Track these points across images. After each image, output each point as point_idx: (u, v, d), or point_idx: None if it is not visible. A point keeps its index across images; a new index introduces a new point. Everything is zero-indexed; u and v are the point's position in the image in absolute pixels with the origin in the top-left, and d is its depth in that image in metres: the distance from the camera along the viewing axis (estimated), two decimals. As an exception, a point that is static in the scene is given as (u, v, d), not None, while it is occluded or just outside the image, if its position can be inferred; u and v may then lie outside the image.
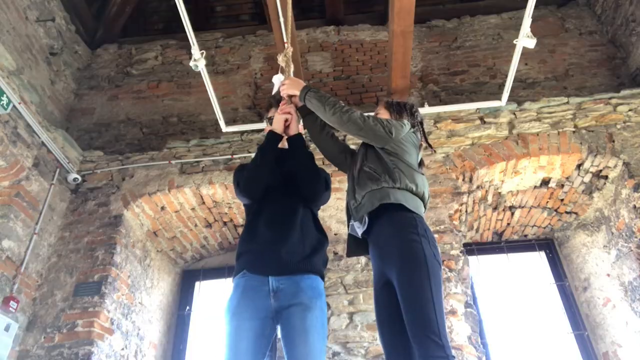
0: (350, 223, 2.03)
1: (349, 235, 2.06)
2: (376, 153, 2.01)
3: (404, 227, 1.80)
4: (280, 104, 2.19)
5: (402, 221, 1.82)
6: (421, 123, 2.23)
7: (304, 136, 2.18)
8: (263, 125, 3.40)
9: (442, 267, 3.20)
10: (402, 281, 1.69)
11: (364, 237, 1.99)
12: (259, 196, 2.02)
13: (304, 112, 2.21)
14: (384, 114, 2.20)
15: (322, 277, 1.92)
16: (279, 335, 1.83)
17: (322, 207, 3.57)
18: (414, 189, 1.92)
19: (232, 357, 1.72)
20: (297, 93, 2.12)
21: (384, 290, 1.85)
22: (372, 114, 2.15)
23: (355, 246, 2.05)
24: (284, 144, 2.17)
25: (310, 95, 2.08)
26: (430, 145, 2.28)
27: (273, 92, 2.34)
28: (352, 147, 2.35)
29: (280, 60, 2.36)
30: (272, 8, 3.26)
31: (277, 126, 2.11)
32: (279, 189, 2.04)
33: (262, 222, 1.95)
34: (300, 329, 1.74)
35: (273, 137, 2.09)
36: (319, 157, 2.48)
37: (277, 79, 2.34)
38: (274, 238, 1.89)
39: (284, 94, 2.19)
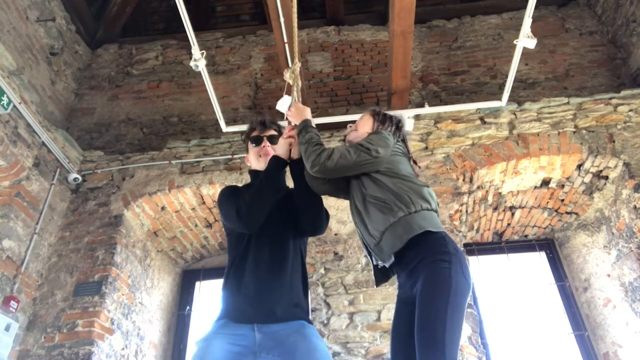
0: (375, 261, 1.89)
1: (374, 266, 1.92)
2: (372, 179, 1.88)
3: (434, 250, 1.69)
4: (287, 127, 2.05)
5: (432, 244, 1.71)
6: (404, 140, 2.10)
7: None
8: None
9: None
10: (421, 298, 1.64)
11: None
12: (258, 228, 1.81)
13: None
14: (366, 122, 2.10)
15: (308, 321, 1.76)
16: None
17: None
18: (429, 207, 1.81)
19: None
20: (297, 124, 2.01)
21: (406, 306, 1.78)
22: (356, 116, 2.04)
23: (381, 275, 1.92)
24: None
25: (299, 138, 1.94)
26: (415, 162, 2.10)
27: (278, 109, 2.17)
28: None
29: (287, 77, 2.24)
30: (272, 8, 3.25)
31: (282, 151, 1.93)
32: (269, 220, 1.84)
33: (249, 267, 1.76)
34: (300, 340, 1.63)
35: (278, 163, 1.90)
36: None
37: (286, 101, 2.18)
38: (262, 292, 1.71)
39: (290, 121, 2.08)
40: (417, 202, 1.78)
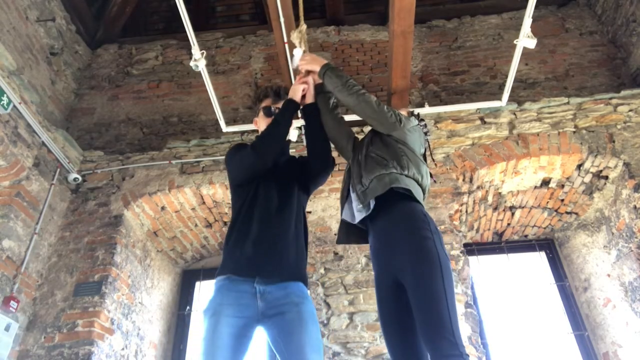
0: (347, 206, 1.99)
1: (342, 221, 2.02)
2: (382, 140, 2.01)
3: (416, 223, 1.76)
4: (297, 77, 2.19)
5: (413, 215, 1.78)
6: (427, 140, 2.26)
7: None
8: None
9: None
10: (415, 280, 1.65)
11: (360, 226, 1.96)
12: (268, 168, 1.91)
13: (317, 91, 2.20)
14: (402, 112, 2.24)
15: (306, 284, 1.83)
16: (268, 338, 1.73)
17: (322, 207, 3.59)
18: (420, 179, 1.92)
19: (208, 354, 1.59)
20: (317, 69, 2.10)
21: (390, 289, 1.81)
22: None
23: (347, 234, 2.03)
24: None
25: (330, 73, 2.06)
26: (431, 175, 2.18)
27: (292, 66, 2.32)
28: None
29: (294, 37, 2.35)
30: (272, 8, 3.25)
31: (295, 95, 2.07)
32: (274, 177, 1.95)
33: (256, 219, 1.82)
34: (297, 319, 1.67)
35: (291, 104, 2.03)
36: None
37: (297, 53, 2.29)
38: (267, 243, 1.77)
39: (302, 68, 2.18)
40: (412, 169, 1.91)
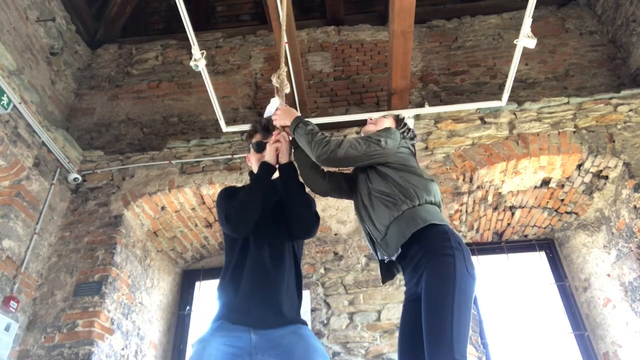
0: (378, 248, 1.91)
1: (380, 261, 1.95)
2: (379, 172, 1.92)
3: (438, 241, 1.72)
4: (273, 133, 2.06)
5: (435, 236, 1.74)
6: (413, 144, 2.17)
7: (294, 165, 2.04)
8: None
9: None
10: (426, 294, 1.65)
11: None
12: (249, 233, 1.84)
13: (295, 145, 2.07)
14: (387, 121, 2.18)
15: (306, 325, 1.78)
16: None
17: (322, 207, 3.59)
18: (433, 200, 1.84)
19: None
20: (288, 124, 2.02)
21: (412, 304, 1.80)
22: (374, 115, 2.08)
23: (388, 270, 1.95)
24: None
25: (298, 132, 1.96)
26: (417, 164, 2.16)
27: (265, 116, 2.16)
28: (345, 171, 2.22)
29: (275, 81, 2.25)
30: (272, 8, 3.25)
31: (270, 157, 1.96)
32: (266, 224, 1.88)
33: (248, 268, 1.78)
34: (297, 339, 1.63)
35: (267, 168, 1.94)
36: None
37: (274, 102, 2.18)
38: (259, 295, 1.72)
39: (276, 124, 2.07)
40: (422, 195, 1.82)
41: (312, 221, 1.93)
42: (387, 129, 2.02)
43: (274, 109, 2.12)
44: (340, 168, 1.99)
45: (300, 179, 2.04)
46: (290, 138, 2.07)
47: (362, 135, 2.12)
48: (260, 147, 2.07)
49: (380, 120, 2.20)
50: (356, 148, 1.89)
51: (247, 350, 1.62)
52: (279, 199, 1.96)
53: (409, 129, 2.17)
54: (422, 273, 1.71)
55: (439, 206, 1.89)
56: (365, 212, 1.90)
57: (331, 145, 1.88)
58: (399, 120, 2.20)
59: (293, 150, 2.10)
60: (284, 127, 2.07)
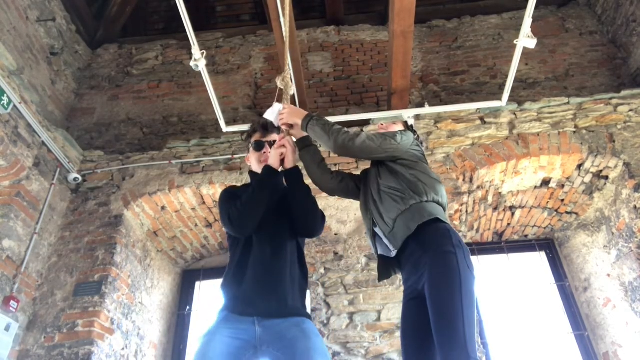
0: (379, 243, 1.95)
1: (380, 257, 1.98)
2: (390, 169, 1.96)
3: (439, 239, 1.76)
4: (277, 138, 2.07)
5: (437, 233, 1.78)
6: (421, 144, 2.24)
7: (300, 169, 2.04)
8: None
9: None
10: (433, 291, 1.66)
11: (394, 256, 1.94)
12: (251, 233, 1.88)
13: (301, 146, 2.11)
14: (397, 125, 2.24)
15: (310, 319, 1.82)
16: None
17: (322, 207, 3.59)
18: (440, 200, 1.89)
19: None
20: (299, 122, 2.03)
21: (413, 302, 1.82)
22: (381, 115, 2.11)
23: (385, 268, 1.98)
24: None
25: (313, 124, 1.99)
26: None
27: (266, 117, 2.14)
28: (349, 171, 2.28)
29: (279, 83, 2.24)
30: (272, 8, 3.25)
31: (274, 161, 1.96)
32: (269, 221, 1.91)
33: (250, 266, 1.82)
34: (300, 335, 1.66)
35: (269, 172, 1.93)
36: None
37: (276, 107, 2.15)
38: (263, 287, 1.76)
39: (282, 122, 2.07)
40: (430, 193, 1.87)
41: (318, 224, 1.99)
42: (400, 131, 2.09)
43: (277, 112, 2.11)
44: (353, 159, 2.05)
45: (307, 182, 2.05)
46: (294, 140, 2.08)
47: None
48: (259, 146, 2.09)
49: (390, 125, 2.26)
50: (373, 140, 1.95)
51: (252, 342, 1.66)
52: (283, 195, 1.98)
53: (419, 135, 2.24)
54: (425, 270, 1.73)
55: (444, 208, 1.93)
56: (374, 206, 1.95)
57: (350, 134, 1.95)
58: (409, 127, 2.27)
59: (298, 152, 2.10)
60: (289, 131, 2.07)
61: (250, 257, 1.84)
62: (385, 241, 1.90)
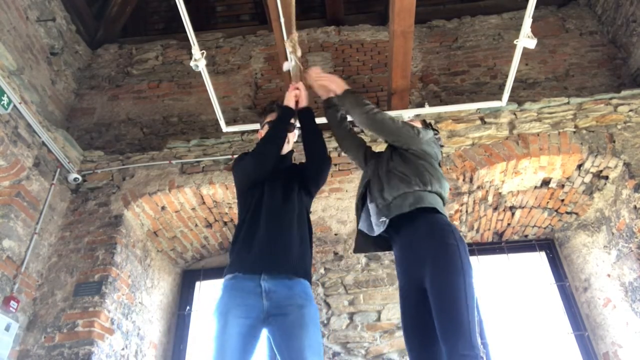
0: (364, 217, 2.04)
1: (359, 231, 2.07)
2: (402, 156, 2.07)
3: (441, 231, 1.81)
4: (291, 84, 2.32)
5: (437, 226, 1.84)
6: (442, 147, 2.35)
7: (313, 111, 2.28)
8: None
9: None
10: (437, 284, 1.69)
11: (379, 236, 1.99)
12: (269, 173, 2.03)
13: (326, 105, 2.40)
14: (415, 124, 2.31)
15: (310, 282, 1.92)
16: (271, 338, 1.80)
17: (322, 207, 3.59)
18: (442, 193, 1.97)
19: (219, 355, 1.67)
20: (337, 91, 2.26)
21: (412, 295, 1.84)
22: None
23: (364, 243, 2.08)
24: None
25: (352, 95, 2.20)
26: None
27: (284, 69, 2.45)
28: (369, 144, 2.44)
29: (287, 45, 2.49)
30: (273, 8, 3.25)
31: (289, 102, 2.21)
32: (277, 178, 2.06)
33: (262, 220, 1.93)
34: (299, 323, 1.73)
35: (287, 111, 2.17)
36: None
37: (288, 64, 2.47)
38: (273, 238, 1.87)
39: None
40: (435, 185, 1.96)
41: (327, 157, 2.19)
42: (426, 129, 2.19)
43: (291, 66, 2.42)
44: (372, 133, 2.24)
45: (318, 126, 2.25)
46: (325, 98, 2.38)
47: None
48: None
49: (415, 121, 2.35)
50: (393, 122, 2.09)
51: (260, 318, 1.76)
52: (288, 166, 2.18)
53: (439, 138, 2.32)
54: (427, 261, 1.75)
55: (444, 203, 2.02)
56: (377, 181, 2.04)
57: (374, 110, 2.12)
58: (429, 125, 2.36)
59: (325, 110, 2.42)
60: (303, 74, 2.39)
61: (261, 212, 1.95)
62: (374, 218, 1.96)
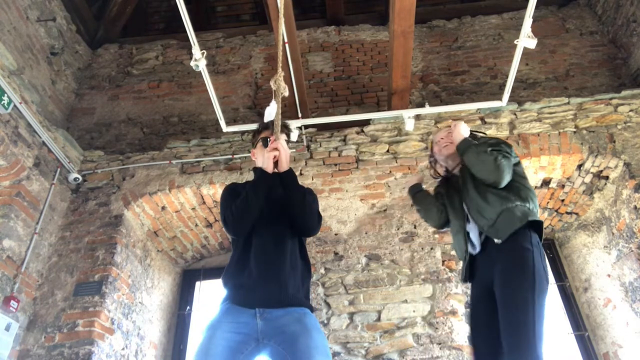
0: (469, 243, 1.98)
1: (469, 256, 1.99)
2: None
3: (517, 236, 1.78)
4: (270, 140, 2.06)
5: (517, 230, 1.82)
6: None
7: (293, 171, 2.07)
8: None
9: (444, 268, 3.21)
10: (504, 288, 1.66)
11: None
12: (249, 228, 1.92)
13: (414, 191, 2.39)
14: (463, 129, 2.28)
15: (312, 311, 1.84)
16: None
17: (322, 207, 3.59)
18: (535, 210, 1.94)
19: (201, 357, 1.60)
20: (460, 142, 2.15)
21: (483, 298, 1.83)
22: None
23: (470, 268, 1.99)
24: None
25: (470, 149, 2.06)
26: None
27: (265, 120, 2.14)
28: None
29: (272, 84, 2.24)
30: (273, 8, 3.25)
31: (267, 165, 1.96)
32: (267, 216, 1.95)
33: (252, 256, 1.86)
34: (301, 330, 1.67)
35: (262, 176, 1.95)
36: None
37: (272, 108, 2.14)
38: (264, 274, 1.80)
39: (450, 141, 2.25)
40: (531, 201, 1.93)
41: (314, 224, 2.01)
42: (504, 144, 2.13)
43: (273, 112, 2.11)
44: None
45: (300, 185, 2.05)
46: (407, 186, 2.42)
47: (442, 157, 2.33)
48: (267, 143, 2.10)
49: (453, 133, 2.27)
50: (508, 160, 2.00)
51: (253, 336, 1.69)
52: (282, 192, 1.99)
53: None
54: (497, 263, 1.73)
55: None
56: (474, 204, 1.97)
57: (497, 158, 2.00)
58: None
59: (413, 196, 2.42)
60: (279, 133, 2.07)
61: (252, 249, 1.88)
62: (475, 240, 1.91)
